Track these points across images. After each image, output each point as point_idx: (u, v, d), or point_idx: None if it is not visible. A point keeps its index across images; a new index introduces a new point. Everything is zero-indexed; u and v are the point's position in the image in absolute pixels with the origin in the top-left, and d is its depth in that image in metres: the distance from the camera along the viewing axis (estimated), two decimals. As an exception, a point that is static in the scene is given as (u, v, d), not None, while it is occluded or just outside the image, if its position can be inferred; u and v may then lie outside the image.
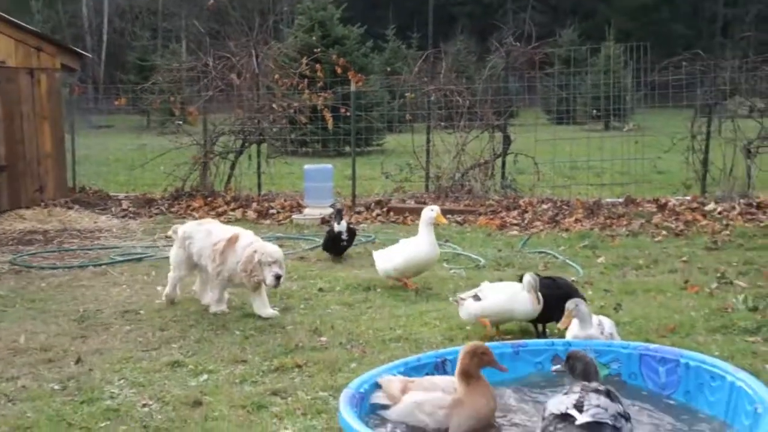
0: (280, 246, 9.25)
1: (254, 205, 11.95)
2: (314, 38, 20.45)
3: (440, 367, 4.48)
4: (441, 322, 6.10)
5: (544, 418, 3.57)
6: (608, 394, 3.57)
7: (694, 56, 12.44)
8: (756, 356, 5.09)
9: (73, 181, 13.79)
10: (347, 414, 3.67)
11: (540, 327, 5.76)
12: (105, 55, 46.49)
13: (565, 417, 3.43)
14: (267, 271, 6.12)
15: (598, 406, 3.45)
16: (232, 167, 12.95)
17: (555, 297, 5.42)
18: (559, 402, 3.55)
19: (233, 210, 11.73)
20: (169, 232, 7.15)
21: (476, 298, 5.71)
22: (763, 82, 12.24)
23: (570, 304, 4.85)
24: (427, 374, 4.45)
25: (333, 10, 24.46)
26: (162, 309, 6.73)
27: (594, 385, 3.65)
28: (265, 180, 13.15)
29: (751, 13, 52.60)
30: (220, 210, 11.72)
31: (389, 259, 7.22)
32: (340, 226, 8.55)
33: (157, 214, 11.87)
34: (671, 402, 4.18)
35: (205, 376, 5.08)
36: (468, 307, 5.74)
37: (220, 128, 12.95)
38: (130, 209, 12.13)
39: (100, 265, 8.58)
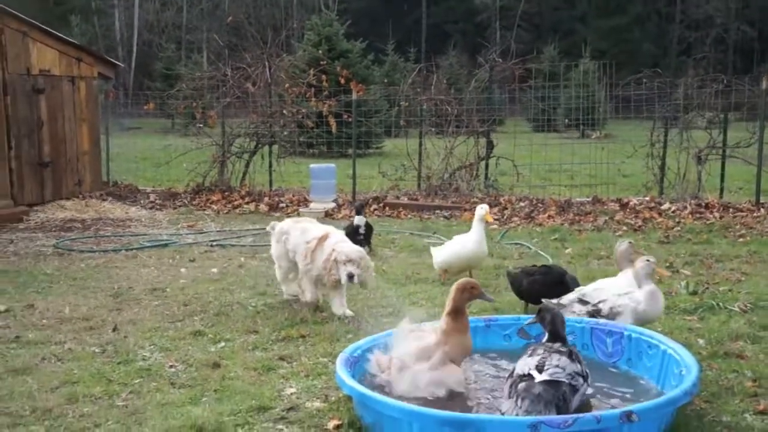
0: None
1: (266, 199, 12.18)
2: (321, 52, 20.63)
3: (423, 338, 4.74)
4: (427, 302, 6.34)
5: (510, 376, 3.79)
6: (570, 355, 3.74)
7: (654, 74, 12.67)
8: (691, 332, 5.36)
9: (108, 176, 14.03)
10: (342, 373, 3.95)
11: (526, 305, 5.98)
12: (134, 65, 46.66)
13: (528, 377, 3.62)
14: (342, 269, 5.83)
15: (557, 366, 3.63)
16: (247, 165, 13.17)
17: (550, 282, 5.75)
18: (524, 363, 3.73)
19: (247, 203, 11.96)
20: (267, 228, 6.84)
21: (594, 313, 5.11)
22: (711, 98, 12.43)
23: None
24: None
25: (338, 26, 24.65)
26: (185, 287, 6.98)
27: (557, 345, 3.81)
28: (276, 177, 13.38)
29: (710, 36, 52.85)
30: (235, 203, 11.96)
31: (440, 254, 7.11)
32: (359, 220, 8.29)
33: (180, 206, 12.10)
34: (616, 368, 4.47)
35: (223, 344, 5.34)
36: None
37: (237, 131, 13.18)
38: (157, 201, 12.36)
39: (131, 249, 8.82)
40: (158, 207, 12.04)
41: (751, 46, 53.92)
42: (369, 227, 8.45)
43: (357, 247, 6.08)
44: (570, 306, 5.16)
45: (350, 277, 5.82)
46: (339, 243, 6.03)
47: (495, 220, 10.62)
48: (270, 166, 13.26)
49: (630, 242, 5.48)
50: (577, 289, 5.39)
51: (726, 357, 4.85)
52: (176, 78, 34.29)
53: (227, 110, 13.45)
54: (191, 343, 5.36)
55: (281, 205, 11.83)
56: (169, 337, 5.49)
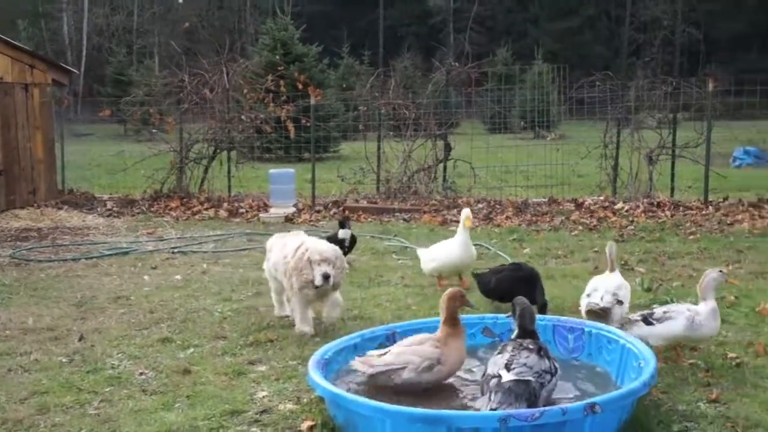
0: (249, 240, 9.73)
1: (225, 205, 12.18)
2: (277, 56, 20.66)
3: (391, 338, 4.87)
4: (391, 304, 6.47)
5: (483, 375, 3.91)
6: (539, 351, 3.86)
7: (606, 76, 13.01)
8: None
9: (63, 184, 13.87)
10: (315, 374, 4.06)
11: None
12: (84, 69, 45.94)
13: (497, 376, 3.74)
14: (316, 270, 5.39)
15: (524, 365, 3.73)
16: (206, 171, 13.16)
17: (518, 279, 5.92)
18: (494, 363, 3.84)
19: (207, 209, 11.94)
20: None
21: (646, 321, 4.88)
22: (661, 100, 12.82)
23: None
24: (380, 345, 4.84)
25: (293, 30, 24.69)
26: (150, 295, 6.99)
27: (527, 342, 3.94)
28: (235, 183, 13.39)
29: (658, 38, 54.13)
30: (195, 209, 11.93)
31: (428, 260, 7.04)
32: (344, 234, 7.82)
33: (138, 213, 12.03)
34: (577, 362, 4.65)
35: (192, 350, 5.39)
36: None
37: (195, 137, 13.16)
38: (114, 209, 12.27)
39: (91, 258, 8.76)
40: (116, 214, 11.94)
41: (697, 47, 55.30)
42: (354, 240, 8.10)
43: (332, 246, 5.66)
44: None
45: (326, 277, 5.38)
46: (309, 242, 5.63)
47: (454, 221, 10.80)
48: (229, 171, 13.27)
49: (721, 271, 4.92)
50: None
51: (680, 349, 5.07)
52: (128, 83, 34.05)
53: (185, 116, 13.41)
54: (159, 350, 5.40)
55: (241, 210, 11.85)
56: (137, 344, 5.52)
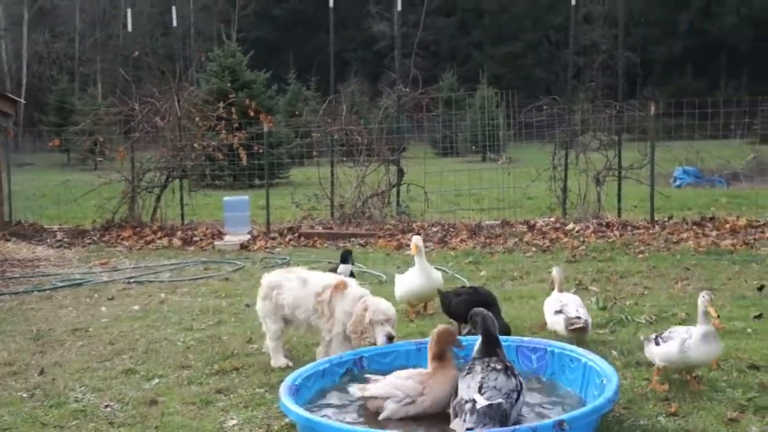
0: (205, 269, 9.70)
1: (179, 233, 12.10)
2: (227, 83, 20.63)
3: (358, 363, 4.93)
4: (353, 329, 6.53)
5: (456, 398, 3.99)
6: (506, 371, 4.01)
7: (552, 100, 13.38)
8: (605, 344, 5.75)
9: (10, 215, 13.58)
10: (287, 401, 4.09)
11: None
12: (24, 97, 45.02)
13: (471, 401, 3.85)
14: (379, 331, 5.12)
15: (495, 387, 3.88)
16: (158, 200, 13.05)
17: (475, 302, 5.98)
18: (466, 386, 3.95)
19: (160, 238, 11.84)
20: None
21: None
22: (605, 122, 13.22)
23: (710, 295, 4.72)
24: (347, 370, 4.91)
25: (241, 56, 24.72)
26: (108, 326, 6.91)
27: (494, 362, 4.06)
28: (188, 211, 13.31)
29: (597, 62, 55.70)
30: (148, 239, 11.82)
31: (396, 290, 6.95)
32: (344, 269, 7.17)
33: (90, 243, 11.86)
34: (541, 382, 4.78)
35: (157, 380, 5.36)
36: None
37: (147, 165, 13.06)
38: (65, 240, 12.07)
39: (45, 290, 8.62)
40: (66, 245, 11.75)
41: (635, 71, 57.03)
42: (353, 276, 7.33)
43: (389, 303, 5.34)
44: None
45: (390, 338, 5.12)
46: (370, 299, 5.28)
47: (409, 245, 10.91)
48: (181, 199, 13.18)
49: (705, 294, 4.78)
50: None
51: (638, 366, 5.25)
52: (71, 111, 33.55)
53: (136, 144, 13.29)
54: (123, 381, 5.36)
55: (195, 238, 11.78)
56: (100, 376, 5.47)
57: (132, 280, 9.02)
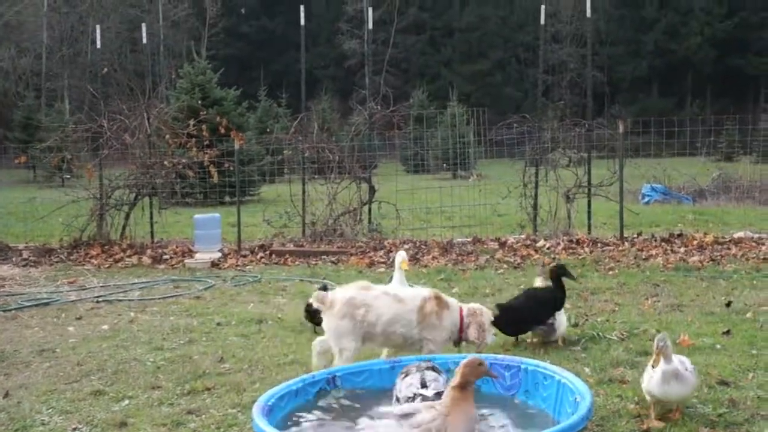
0: (176, 287, 9.60)
1: (148, 251, 11.95)
2: (195, 100, 20.54)
3: (331, 382, 4.90)
4: (326, 347, 6.50)
5: (398, 399, 4.29)
6: (433, 369, 4.45)
7: (522, 118, 13.52)
8: (577, 361, 5.79)
9: (-27, 234, 13.35)
10: (260, 421, 4.04)
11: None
12: (-11, 113, 44.46)
13: (416, 396, 4.19)
14: (488, 333, 5.65)
15: (435, 380, 4.33)
16: (127, 218, 12.89)
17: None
18: (409, 384, 4.28)
19: (129, 257, 11.69)
20: (312, 301, 5.59)
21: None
22: (575, 140, 13.38)
23: (659, 341, 4.56)
24: (321, 389, 4.87)
25: (211, 74, 24.64)
26: (76, 346, 6.78)
27: (424, 364, 4.47)
28: (158, 228, 13.17)
29: (565, 80, 56.49)
30: (117, 257, 11.66)
31: None
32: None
33: (57, 262, 11.66)
34: (515, 400, 4.79)
35: (126, 401, 5.27)
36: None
37: (116, 183, 12.90)
38: (31, 258, 11.85)
39: (9, 310, 8.44)
40: (33, 264, 11.53)
41: (603, 89, 57.91)
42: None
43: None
44: None
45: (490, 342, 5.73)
46: (471, 305, 5.74)
47: (381, 262, 10.92)
48: (151, 217, 13.04)
49: (662, 334, 4.67)
50: None
51: (610, 383, 5.28)
52: (37, 127, 33.11)
53: (105, 161, 13.14)
54: (92, 403, 5.26)
55: (165, 257, 11.65)
56: (68, 398, 5.36)
57: (101, 299, 8.89)
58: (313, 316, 6.70)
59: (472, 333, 5.55)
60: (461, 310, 5.61)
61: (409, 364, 4.73)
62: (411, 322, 5.43)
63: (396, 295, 5.55)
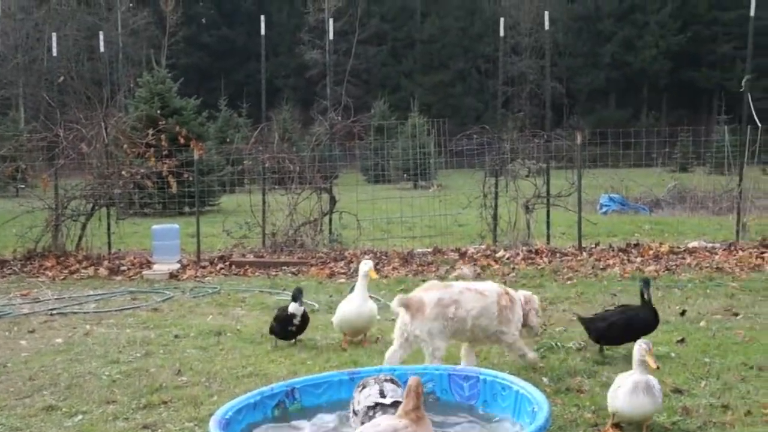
0: (133, 299, 9.47)
1: (105, 263, 11.75)
2: (156, 110, 20.32)
3: (290, 395, 4.86)
4: (285, 359, 6.44)
5: (355, 413, 4.30)
6: (392, 381, 4.50)
7: (482, 129, 13.62)
8: (536, 371, 5.83)
9: None
10: (217, 435, 3.99)
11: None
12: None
13: (376, 405, 4.22)
14: (536, 318, 6.05)
15: (394, 390, 4.36)
16: (83, 228, 12.67)
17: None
18: (367, 395, 4.32)
19: (85, 268, 11.47)
20: (395, 306, 5.52)
21: None
22: (534, 151, 13.54)
23: (645, 344, 4.54)
24: (279, 402, 4.82)
25: (171, 83, 24.41)
26: (29, 360, 6.64)
27: (382, 376, 4.51)
28: (115, 239, 12.96)
29: (524, 92, 57.15)
30: (72, 269, 11.43)
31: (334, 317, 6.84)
32: (295, 308, 6.70)
33: (10, 274, 11.37)
34: (474, 410, 4.79)
35: (80, 416, 5.17)
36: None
37: (72, 193, 12.67)
38: (-18, 270, 11.60)
39: (-40, 323, 8.26)
40: (-16, 276, 11.29)
41: (562, 101, 58.67)
42: (305, 319, 6.84)
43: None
44: None
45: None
46: (527, 293, 6.07)
47: (341, 273, 10.89)
48: (108, 228, 12.82)
49: (645, 343, 4.59)
50: None
51: (568, 392, 5.33)
52: (-9, 136, 32.44)
53: (61, 171, 12.90)
54: (44, 419, 5.15)
55: (122, 268, 11.47)
56: (18, 414, 5.24)
57: (55, 312, 8.71)
58: (283, 329, 6.74)
59: (532, 319, 5.91)
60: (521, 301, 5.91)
61: (367, 376, 4.72)
62: (493, 315, 5.66)
63: (476, 288, 5.75)
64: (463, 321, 5.56)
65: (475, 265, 11.05)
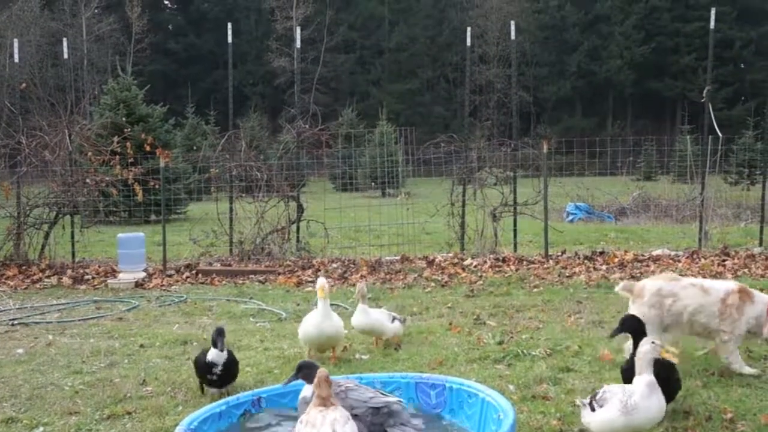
0: (98, 308, 9.34)
1: (69, 271, 11.58)
2: (121, 117, 20.12)
3: (256, 404, 4.84)
4: (252, 368, 6.39)
5: (353, 408, 4.22)
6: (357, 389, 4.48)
7: (450, 137, 13.70)
8: (502, 378, 5.85)
9: None
10: (182, 446, 3.96)
11: None
12: None
13: (380, 408, 4.27)
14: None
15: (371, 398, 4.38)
16: (46, 237, 12.49)
17: None
18: (370, 397, 4.33)
19: (48, 277, 11.30)
20: (618, 289, 6.03)
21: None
22: (501, 159, 13.65)
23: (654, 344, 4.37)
24: (245, 411, 4.80)
25: (137, 90, 24.17)
26: (-11, 372, 6.53)
27: (351, 383, 4.51)
28: (79, 248, 12.79)
29: (492, 100, 57.62)
30: (35, 278, 11.26)
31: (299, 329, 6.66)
32: (213, 355, 5.50)
33: (-30, 283, 11.21)
34: (440, 419, 4.81)
35: (41, 428, 5.07)
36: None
37: (34, 201, 12.49)
38: (-58, 280, 11.36)
39: None
40: (-57, 286, 11.06)
41: (529, 109, 59.26)
42: (230, 365, 5.59)
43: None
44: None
45: None
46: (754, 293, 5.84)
47: (309, 282, 10.85)
48: (72, 236, 12.65)
49: (654, 342, 4.39)
50: None
51: (533, 399, 5.36)
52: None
53: (23, 179, 12.70)
54: (4, 431, 5.05)
55: (87, 277, 11.32)
56: (-22, 427, 5.14)
57: (16, 322, 8.55)
58: (203, 378, 5.59)
59: (765, 330, 5.68)
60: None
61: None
62: (713, 313, 5.69)
63: (702, 285, 5.82)
64: (678, 315, 5.75)
65: (443, 273, 11.10)
